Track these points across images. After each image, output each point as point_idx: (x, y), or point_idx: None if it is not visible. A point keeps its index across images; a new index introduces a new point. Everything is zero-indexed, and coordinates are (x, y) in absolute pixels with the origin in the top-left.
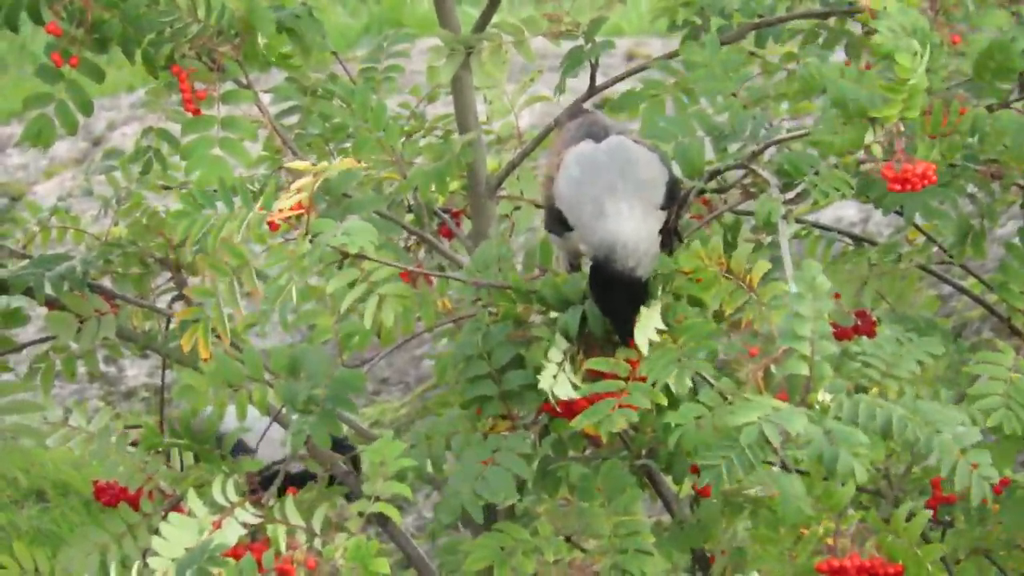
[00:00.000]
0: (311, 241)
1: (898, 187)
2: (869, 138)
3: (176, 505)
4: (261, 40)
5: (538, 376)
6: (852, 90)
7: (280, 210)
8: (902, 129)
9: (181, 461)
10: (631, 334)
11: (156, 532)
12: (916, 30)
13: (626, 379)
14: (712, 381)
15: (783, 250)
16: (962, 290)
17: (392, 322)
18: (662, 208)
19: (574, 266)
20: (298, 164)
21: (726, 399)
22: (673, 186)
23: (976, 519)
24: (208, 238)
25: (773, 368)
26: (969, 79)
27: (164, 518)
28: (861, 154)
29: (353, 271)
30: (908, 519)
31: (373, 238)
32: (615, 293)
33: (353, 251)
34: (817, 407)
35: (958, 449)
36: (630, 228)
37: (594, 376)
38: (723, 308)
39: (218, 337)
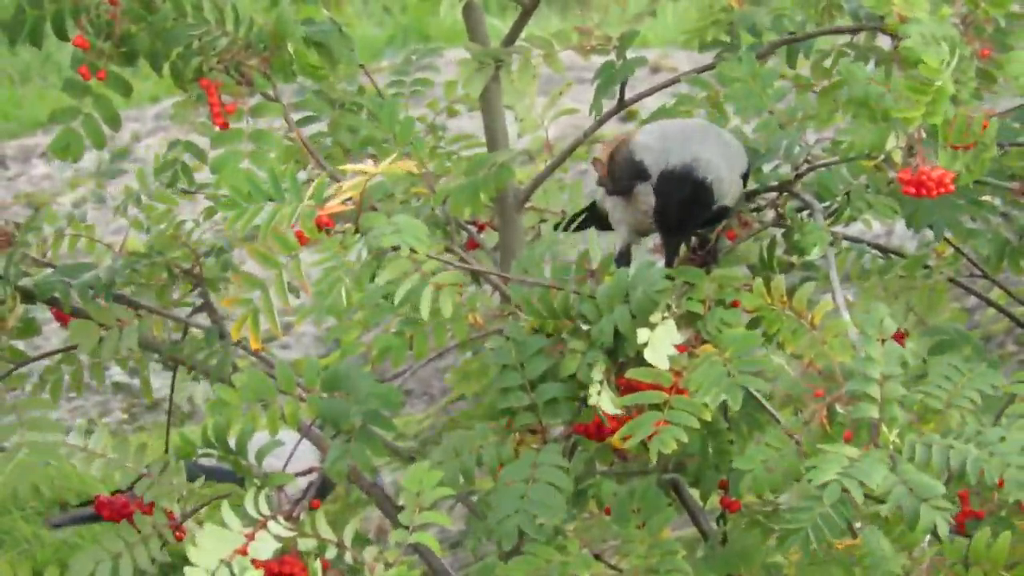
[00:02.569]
0: (362, 237)
1: (912, 191)
2: (891, 143)
3: (183, 522)
4: (291, 47)
5: (577, 389)
6: (876, 91)
7: (330, 207)
8: (924, 136)
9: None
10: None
11: (163, 546)
12: (946, 38)
13: (669, 390)
14: (767, 405)
15: (833, 281)
16: (988, 302)
17: (451, 312)
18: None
19: (624, 253)
20: (349, 167)
21: (792, 437)
22: (750, 167)
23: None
24: (260, 228)
25: (838, 407)
26: (1016, 108)
27: (174, 534)
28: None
29: (405, 261)
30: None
31: (423, 235)
32: (680, 196)
33: (405, 251)
34: (891, 447)
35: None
36: (729, 174)
37: (628, 391)
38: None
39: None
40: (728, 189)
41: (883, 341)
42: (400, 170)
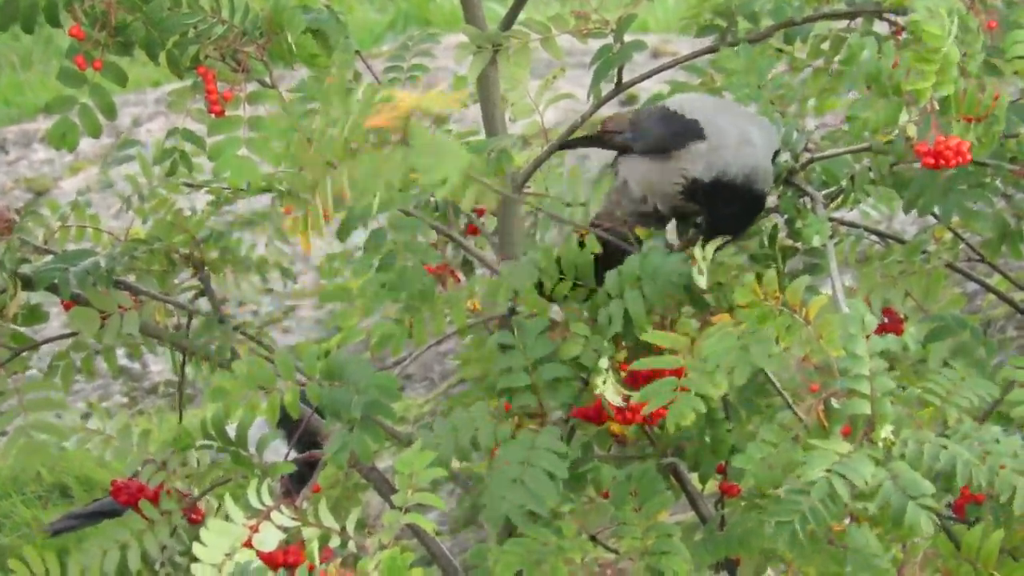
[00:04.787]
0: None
1: (931, 162)
2: (904, 118)
3: (195, 504)
4: (290, 38)
5: (578, 371)
6: (887, 66)
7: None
8: (936, 107)
9: (198, 460)
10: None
11: (174, 531)
12: (952, 11)
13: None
14: (776, 384)
15: (832, 273)
16: (988, 288)
17: (492, 203)
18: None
19: (644, 214)
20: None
21: (790, 432)
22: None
23: (1003, 519)
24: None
25: (834, 402)
26: (1018, 99)
27: (184, 516)
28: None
29: None
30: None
31: (464, 165)
32: (737, 208)
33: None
34: (881, 444)
35: (1019, 476)
36: (768, 161)
37: (634, 380)
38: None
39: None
40: (765, 177)
41: (867, 337)
42: (438, 102)
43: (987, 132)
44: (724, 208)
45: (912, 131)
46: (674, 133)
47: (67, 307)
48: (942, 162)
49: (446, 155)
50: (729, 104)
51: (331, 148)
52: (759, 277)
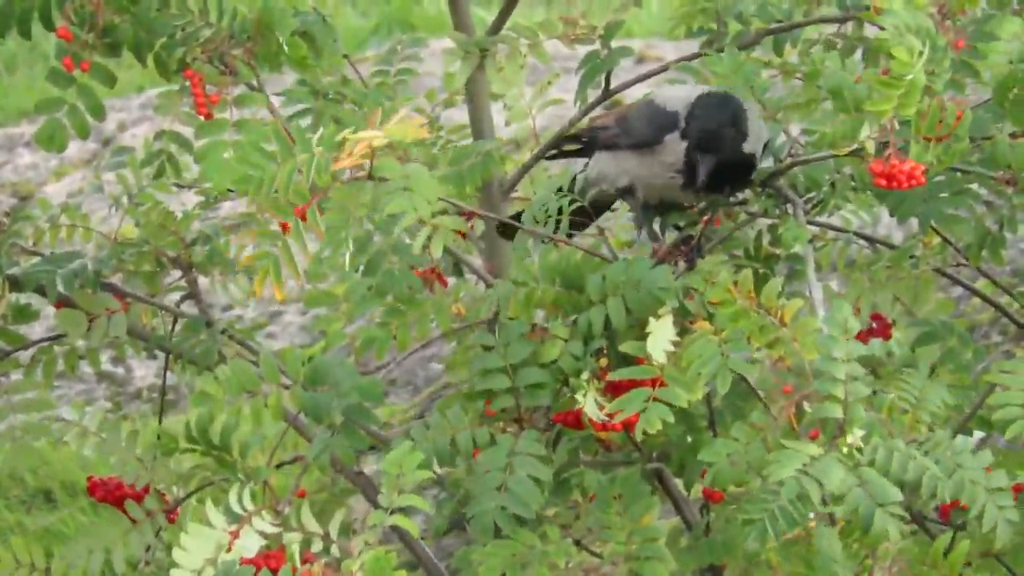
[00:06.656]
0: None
1: (884, 183)
2: (864, 133)
3: (176, 506)
4: (280, 39)
5: (558, 374)
6: (849, 81)
7: (343, 163)
8: (897, 127)
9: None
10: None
11: (159, 532)
12: (920, 30)
13: (662, 368)
14: (757, 392)
15: (810, 278)
16: (975, 292)
17: (440, 253)
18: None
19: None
20: (352, 136)
21: (759, 433)
22: (770, 141)
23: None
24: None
25: (806, 405)
26: (988, 100)
27: (167, 517)
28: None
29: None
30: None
31: (434, 198)
32: (731, 173)
33: (411, 218)
34: (847, 449)
35: (986, 492)
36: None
37: (615, 389)
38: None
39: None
40: (755, 140)
41: (848, 341)
42: (405, 133)
43: (947, 151)
44: (709, 114)
45: (871, 148)
46: (656, 127)
47: (59, 307)
48: (895, 184)
49: (417, 186)
50: (723, 90)
51: (298, 194)
52: (753, 274)
